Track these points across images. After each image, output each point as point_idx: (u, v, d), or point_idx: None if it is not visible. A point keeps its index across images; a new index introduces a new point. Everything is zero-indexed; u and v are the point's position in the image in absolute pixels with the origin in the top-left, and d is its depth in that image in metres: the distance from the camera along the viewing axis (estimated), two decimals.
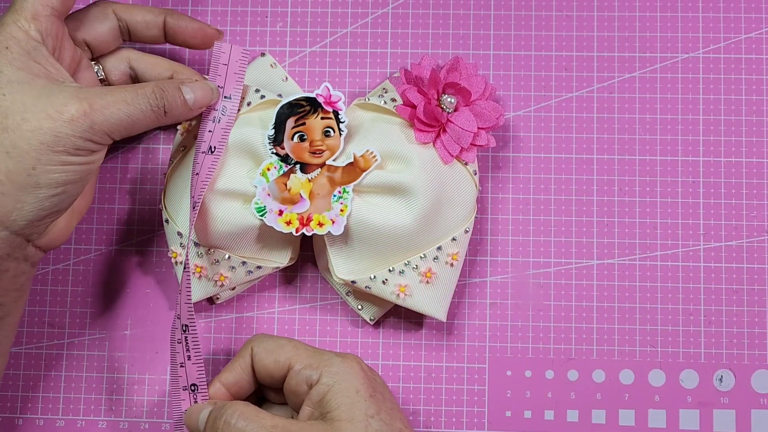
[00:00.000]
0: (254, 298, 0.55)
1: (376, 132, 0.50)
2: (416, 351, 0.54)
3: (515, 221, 0.55)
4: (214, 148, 0.49)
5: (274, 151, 0.49)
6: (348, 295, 0.53)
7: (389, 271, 0.50)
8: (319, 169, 0.49)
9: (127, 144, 0.56)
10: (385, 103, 0.51)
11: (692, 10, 0.56)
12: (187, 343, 0.48)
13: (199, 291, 0.51)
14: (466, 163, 0.51)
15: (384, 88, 0.52)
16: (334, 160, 0.49)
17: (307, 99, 0.49)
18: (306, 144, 0.49)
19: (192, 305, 0.48)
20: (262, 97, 0.50)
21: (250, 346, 0.48)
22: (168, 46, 0.56)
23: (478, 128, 0.50)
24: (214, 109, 0.49)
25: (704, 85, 0.55)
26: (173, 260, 0.51)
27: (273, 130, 0.49)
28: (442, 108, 0.50)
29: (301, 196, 0.49)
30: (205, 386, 0.48)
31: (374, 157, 0.49)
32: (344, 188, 0.49)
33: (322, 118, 0.49)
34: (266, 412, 0.45)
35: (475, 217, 0.52)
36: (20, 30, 0.44)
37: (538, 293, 0.54)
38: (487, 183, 0.55)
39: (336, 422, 0.44)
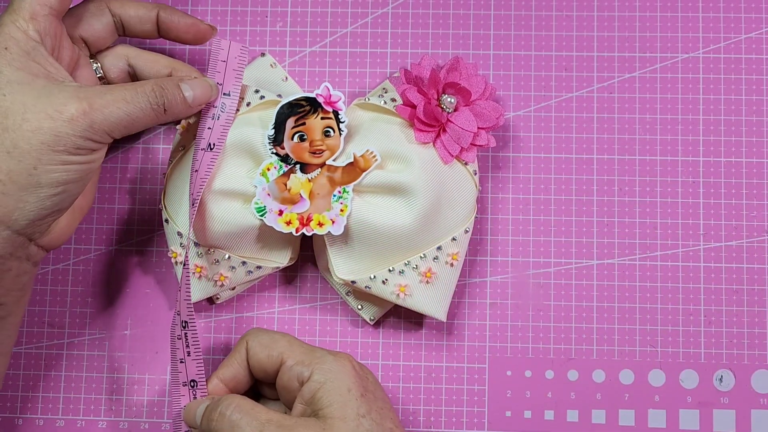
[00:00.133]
0: (254, 298, 0.55)
1: (376, 132, 0.50)
2: (416, 351, 0.54)
3: (515, 221, 0.55)
4: (213, 145, 0.49)
5: (274, 151, 0.49)
6: (348, 295, 0.53)
7: (389, 271, 0.50)
8: (319, 169, 0.49)
9: (127, 144, 0.56)
10: (385, 103, 0.51)
11: (692, 10, 0.56)
12: (186, 339, 0.48)
13: (199, 291, 0.51)
14: (466, 163, 0.51)
15: (384, 88, 0.52)
16: (334, 160, 0.49)
17: (307, 99, 0.49)
18: (306, 144, 0.49)
19: (191, 301, 0.48)
20: (262, 97, 0.50)
21: (245, 340, 0.48)
22: (168, 45, 0.56)
23: (478, 128, 0.50)
24: (213, 106, 0.49)
25: (704, 85, 0.55)
26: (173, 260, 0.51)
27: (273, 130, 0.49)
28: (442, 108, 0.50)
29: (301, 196, 0.49)
30: (204, 382, 0.48)
31: (374, 157, 0.49)
32: (344, 188, 0.49)
33: (322, 118, 0.49)
34: (262, 406, 0.46)
35: (475, 217, 0.52)
36: (19, 30, 0.44)
37: (538, 293, 0.54)
38: (487, 183, 0.55)
39: (328, 419, 0.44)
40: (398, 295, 0.50)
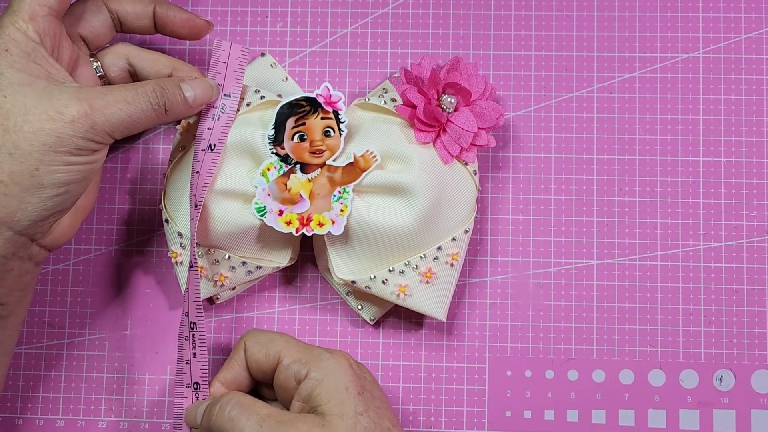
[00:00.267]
0: (254, 298, 0.55)
1: (376, 132, 0.50)
2: (416, 351, 0.54)
3: (515, 221, 0.55)
4: (214, 145, 0.49)
5: (274, 151, 0.49)
6: (348, 295, 0.53)
7: (389, 271, 0.50)
8: (319, 169, 0.49)
9: (127, 144, 0.56)
10: (385, 103, 0.51)
11: (692, 10, 0.56)
12: (194, 340, 0.48)
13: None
14: (466, 163, 0.51)
15: (384, 88, 0.52)
16: (334, 160, 0.49)
17: (307, 99, 0.49)
18: (306, 144, 0.49)
19: (201, 303, 0.48)
20: (262, 97, 0.50)
21: (243, 341, 0.49)
22: (168, 45, 0.56)
23: (478, 128, 0.50)
24: (213, 107, 0.49)
25: (704, 85, 0.55)
26: (173, 260, 0.51)
27: (273, 130, 0.49)
28: (442, 108, 0.50)
29: (301, 196, 0.49)
30: (207, 385, 0.48)
31: (374, 157, 0.49)
32: (344, 188, 0.49)
33: (322, 118, 0.49)
34: (262, 402, 0.46)
35: (475, 217, 0.52)
36: (19, 31, 0.44)
37: (538, 293, 0.54)
38: (487, 183, 0.55)
39: (327, 416, 0.44)
40: (398, 295, 0.50)
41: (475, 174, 0.51)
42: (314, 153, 0.49)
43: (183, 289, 0.50)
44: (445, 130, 0.50)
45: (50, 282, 0.55)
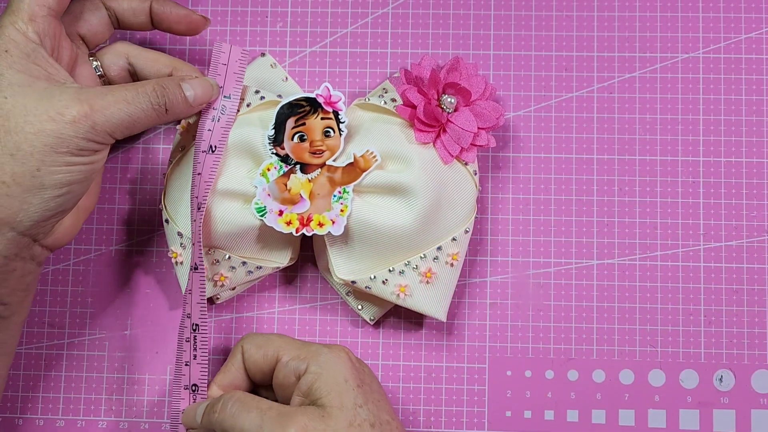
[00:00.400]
0: (254, 298, 0.55)
1: (376, 132, 0.50)
2: (416, 351, 0.54)
3: (515, 221, 0.55)
4: (215, 147, 0.49)
5: (274, 151, 0.49)
6: (348, 295, 0.53)
7: (389, 271, 0.50)
8: (319, 170, 0.49)
9: (127, 144, 0.56)
10: (385, 103, 0.51)
11: (692, 10, 0.56)
12: (195, 342, 0.48)
13: None
14: (466, 163, 0.51)
15: (384, 88, 0.52)
16: (334, 161, 0.49)
17: (307, 99, 0.49)
18: (306, 144, 0.49)
19: (205, 305, 0.48)
20: (262, 98, 0.50)
21: (240, 345, 0.49)
22: (168, 44, 0.56)
23: (478, 128, 0.50)
24: (213, 108, 0.49)
25: (704, 85, 0.55)
26: (173, 260, 0.51)
27: (273, 131, 0.49)
28: (442, 108, 0.50)
29: (301, 197, 0.49)
30: (206, 387, 0.48)
31: (374, 157, 0.49)
32: (344, 188, 0.49)
33: (322, 119, 0.49)
34: (262, 398, 0.46)
35: (475, 217, 0.52)
36: (18, 32, 0.44)
37: (538, 293, 0.54)
38: (487, 183, 0.55)
39: (326, 408, 0.45)
40: (398, 295, 0.50)
41: (475, 174, 0.51)
42: (314, 153, 0.49)
43: (183, 289, 0.50)
44: (445, 130, 0.50)
45: (50, 282, 0.55)
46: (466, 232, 0.51)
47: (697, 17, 0.56)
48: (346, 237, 0.49)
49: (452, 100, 0.50)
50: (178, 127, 0.52)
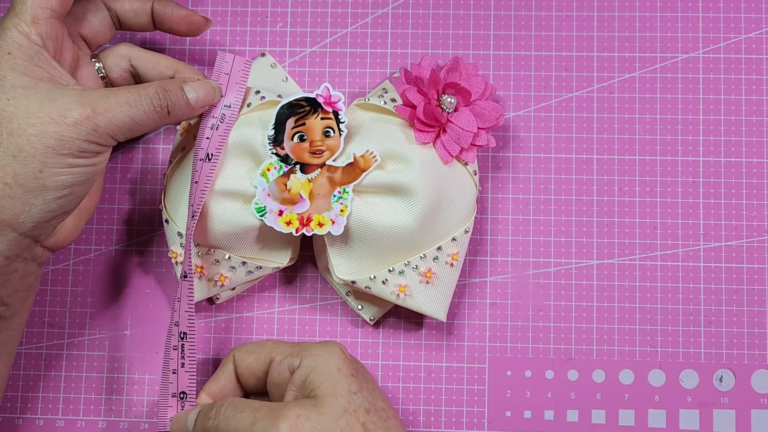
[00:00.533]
0: (254, 298, 0.55)
1: (376, 132, 0.50)
2: (416, 351, 0.54)
3: (515, 221, 0.55)
4: (212, 155, 0.49)
5: (274, 151, 0.49)
6: (348, 295, 0.53)
7: (389, 271, 0.50)
8: (319, 170, 0.49)
9: (127, 144, 0.56)
10: (385, 103, 0.51)
11: (692, 10, 0.56)
12: (183, 350, 0.48)
13: (199, 291, 0.51)
14: (466, 163, 0.51)
15: (384, 88, 0.52)
16: (334, 161, 0.49)
17: (307, 99, 0.49)
18: (306, 144, 0.49)
19: (194, 313, 0.48)
20: (262, 98, 0.50)
21: (232, 354, 0.49)
22: (168, 45, 0.56)
23: (478, 128, 0.50)
24: (212, 116, 0.49)
25: (704, 85, 0.55)
26: (173, 260, 0.51)
27: (273, 131, 0.49)
28: (442, 108, 0.50)
29: (301, 197, 0.49)
30: (194, 395, 0.49)
31: (374, 157, 0.49)
32: (344, 188, 0.49)
33: (322, 119, 0.49)
34: (254, 400, 0.47)
35: (475, 217, 0.52)
36: (21, 34, 0.44)
37: (538, 293, 0.54)
38: (487, 183, 0.55)
39: (320, 398, 0.45)
40: (398, 295, 0.50)
41: (475, 174, 0.51)
42: (314, 153, 0.49)
43: None
44: (445, 130, 0.50)
45: (50, 282, 0.55)
46: (466, 232, 0.51)
47: (697, 17, 0.56)
48: (345, 237, 0.49)
49: (452, 100, 0.50)
50: (178, 127, 0.52)
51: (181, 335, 0.48)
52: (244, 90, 0.50)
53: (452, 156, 0.50)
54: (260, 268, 0.51)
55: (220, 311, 0.55)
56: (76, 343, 0.54)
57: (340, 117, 0.49)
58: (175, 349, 0.48)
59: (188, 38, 0.56)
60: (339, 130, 0.49)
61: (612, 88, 0.55)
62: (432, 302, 0.51)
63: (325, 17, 0.56)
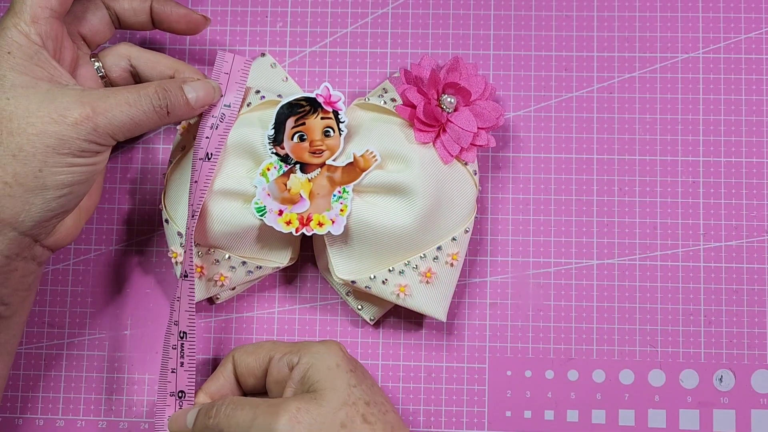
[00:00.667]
0: (254, 298, 0.55)
1: (376, 132, 0.50)
2: (416, 351, 0.54)
3: (515, 221, 0.55)
4: (211, 155, 0.49)
5: (274, 151, 0.49)
6: (348, 295, 0.53)
7: (389, 271, 0.50)
8: (319, 169, 0.49)
9: (127, 144, 0.56)
10: (385, 103, 0.51)
11: (692, 10, 0.56)
12: (182, 349, 0.48)
13: (199, 291, 0.51)
14: (466, 163, 0.51)
15: (384, 88, 0.52)
16: (333, 160, 0.49)
17: (307, 99, 0.49)
18: (306, 144, 0.49)
19: (194, 313, 0.48)
20: (262, 97, 0.50)
21: (231, 355, 0.50)
22: (168, 45, 0.56)
23: (478, 128, 0.50)
24: (212, 116, 0.49)
25: (704, 85, 0.55)
26: (173, 260, 0.51)
27: (273, 130, 0.49)
28: (442, 108, 0.50)
29: (301, 196, 0.49)
30: (193, 394, 0.49)
31: (374, 157, 0.49)
32: (344, 188, 0.49)
33: (322, 118, 0.49)
34: (254, 397, 0.47)
35: (475, 217, 0.52)
36: (21, 34, 0.44)
37: (538, 293, 0.54)
38: (487, 183, 0.55)
39: (319, 392, 0.45)
40: (398, 295, 0.50)
41: (475, 174, 0.51)
42: (314, 153, 0.49)
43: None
44: (444, 130, 0.50)
45: (50, 282, 0.55)
46: (466, 232, 0.51)
47: (697, 17, 0.56)
48: (345, 237, 0.49)
49: (452, 100, 0.50)
50: (178, 127, 0.52)
51: (181, 334, 0.48)
52: (244, 89, 0.50)
53: (452, 156, 0.50)
54: (260, 268, 0.51)
55: (220, 311, 0.55)
56: (76, 343, 0.54)
57: (340, 117, 0.49)
58: (174, 348, 0.48)
59: (188, 38, 0.56)
60: (339, 129, 0.49)
61: (612, 88, 0.55)
62: (432, 302, 0.51)
63: (325, 17, 0.56)
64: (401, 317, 0.54)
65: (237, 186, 0.49)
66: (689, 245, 0.54)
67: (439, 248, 0.50)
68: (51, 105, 0.44)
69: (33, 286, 0.48)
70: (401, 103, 0.50)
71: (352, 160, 0.49)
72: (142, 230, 0.55)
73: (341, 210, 0.48)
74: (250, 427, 0.44)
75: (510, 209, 0.55)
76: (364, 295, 0.52)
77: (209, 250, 0.50)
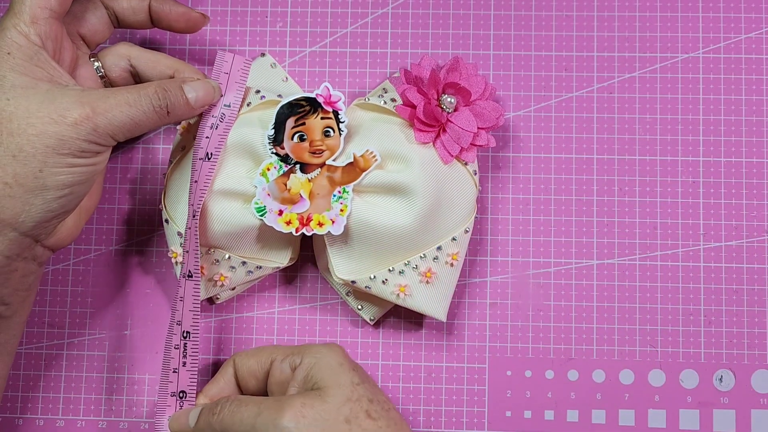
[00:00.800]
0: (254, 298, 0.55)
1: (376, 132, 0.50)
2: (416, 351, 0.54)
3: (515, 221, 0.55)
4: (211, 155, 0.49)
5: (274, 151, 0.49)
6: (348, 295, 0.53)
7: (389, 271, 0.50)
8: (319, 169, 0.49)
9: (127, 144, 0.56)
10: (385, 103, 0.51)
11: (692, 10, 0.56)
12: (185, 349, 0.48)
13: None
14: (466, 163, 0.51)
15: (384, 88, 0.52)
16: (333, 160, 0.49)
17: (307, 99, 0.49)
18: (306, 144, 0.49)
19: (199, 313, 0.48)
20: (262, 97, 0.50)
21: (232, 359, 0.50)
22: (168, 45, 0.56)
23: (478, 128, 0.50)
24: (212, 116, 0.49)
25: (704, 85, 0.55)
26: (173, 260, 0.51)
27: (273, 130, 0.49)
28: (442, 108, 0.50)
29: (301, 196, 0.49)
30: (194, 394, 0.49)
31: (374, 157, 0.49)
32: (344, 188, 0.49)
33: (322, 118, 0.49)
34: (258, 396, 0.47)
35: (475, 217, 0.52)
36: (21, 34, 0.44)
37: (538, 293, 0.54)
38: (487, 183, 0.55)
39: (323, 389, 0.46)
40: (398, 295, 0.50)
41: (475, 174, 0.51)
42: (314, 153, 0.49)
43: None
44: (444, 130, 0.50)
45: (50, 282, 0.55)
46: (466, 232, 0.51)
47: (697, 17, 0.56)
48: (345, 237, 0.49)
49: (452, 100, 0.50)
50: (178, 127, 0.52)
51: (184, 334, 0.48)
52: (244, 89, 0.50)
53: (452, 156, 0.50)
54: (260, 268, 0.51)
55: (220, 311, 0.55)
56: (76, 343, 0.54)
57: (340, 117, 0.49)
58: (177, 348, 0.48)
59: (188, 38, 0.56)
60: (339, 129, 0.49)
61: (612, 88, 0.55)
62: (432, 302, 0.51)
63: (325, 17, 0.56)
64: (401, 317, 0.54)
65: (237, 186, 0.49)
66: (689, 245, 0.54)
67: (439, 248, 0.50)
68: (51, 105, 0.44)
69: (33, 287, 0.48)
70: (401, 103, 0.50)
71: (352, 160, 0.49)
72: (142, 230, 0.55)
73: (341, 210, 0.48)
74: (255, 423, 0.44)
75: (510, 209, 0.55)
76: (364, 295, 0.52)
77: (209, 250, 0.50)
